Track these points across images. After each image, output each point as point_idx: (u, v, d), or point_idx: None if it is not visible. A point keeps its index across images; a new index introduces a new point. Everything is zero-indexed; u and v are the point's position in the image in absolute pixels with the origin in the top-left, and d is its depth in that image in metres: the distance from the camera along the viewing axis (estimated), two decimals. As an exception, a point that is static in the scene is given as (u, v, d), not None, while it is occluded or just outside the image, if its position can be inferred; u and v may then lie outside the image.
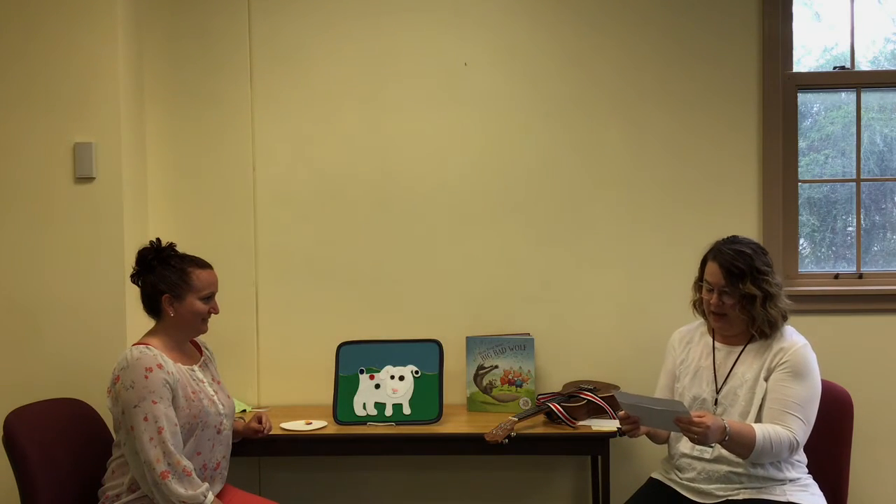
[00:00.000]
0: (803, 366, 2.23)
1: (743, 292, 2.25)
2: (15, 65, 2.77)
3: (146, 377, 2.13)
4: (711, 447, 2.25)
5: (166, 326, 2.32)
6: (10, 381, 2.73)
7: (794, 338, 2.29)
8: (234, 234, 3.05)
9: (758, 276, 2.25)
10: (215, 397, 2.32)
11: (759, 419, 2.23)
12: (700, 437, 2.09)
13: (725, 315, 2.30)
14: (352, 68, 3.05)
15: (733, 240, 2.34)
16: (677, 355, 2.47)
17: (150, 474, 2.11)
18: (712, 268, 2.31)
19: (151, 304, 2.31)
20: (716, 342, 2.39)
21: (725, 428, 2.11)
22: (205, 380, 2.34)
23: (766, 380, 2.24)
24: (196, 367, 2.34)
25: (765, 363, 2.26)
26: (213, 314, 2.37)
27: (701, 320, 2.48)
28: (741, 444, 2.14)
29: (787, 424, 2.17)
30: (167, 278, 2.28)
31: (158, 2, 3.04)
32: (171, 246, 2.35)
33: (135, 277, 2.34)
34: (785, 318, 2.30)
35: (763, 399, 2.23)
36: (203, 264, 2.36)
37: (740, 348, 2.33)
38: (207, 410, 2.26)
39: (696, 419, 2.08)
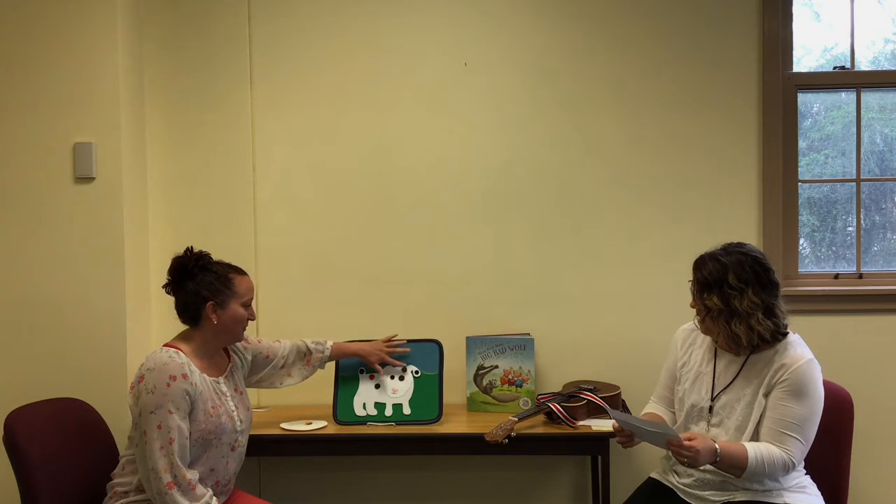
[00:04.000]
0: (804, 384, 2.16)
1: (705, 303, 2.23)
2: (15, 65, 2.77)
3: (168, 385, 2.13)
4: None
5: (204, 333, 2.29)
6: (10, 381, 2.73)
7: (798, 352, 2.20)
8: (234, 235, 3.05)
9: (726, 291, 2.19)
10: (235, 413, 2.31)
11: (755, 436, 2.21)
12: (690, 460, 2.09)
13: (702, 320, 2.30)
14: (351, 69, 3.05)
15: (727, 248, 2.28)
16: (679, 356, 2.45)
17: (155, 482, 2.11)
18: (692, 271, 2.31)
19: (191, 312, 2.28)
20: (718, 348, 2.35)
21: (716, 450, 2.10)
22: (228, 392, 2.32)
23: (766, 396, 2.20)
24: (221, 379, 2.32)
25: (765, 378, 2.21)
26: (250, 321, 2.36)
27: None
28: (733, 466, 2.13)
29: (784, 445, 2.14)
30: (210, 285, 2.26)
31: (159, 2, 3.04)
32: (207, 254, 2.33)
33: (170, 286, 2.30)
34: (765, 340, 2.21)
35: (761, 416, 2.20)
36: (241, 271, 2.35)
37: (742, 359, 2.28)
38: (224, 427, 2.25)
39: (686, 443, 2.08)
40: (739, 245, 2.29)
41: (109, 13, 2.77)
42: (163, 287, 2.33)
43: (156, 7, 3.04)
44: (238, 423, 2.32)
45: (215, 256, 2.37)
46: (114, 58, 2.77)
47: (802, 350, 2.23)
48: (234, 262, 2.38)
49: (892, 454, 2.99)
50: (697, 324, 2.34)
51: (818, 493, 2.29)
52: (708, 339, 2.39)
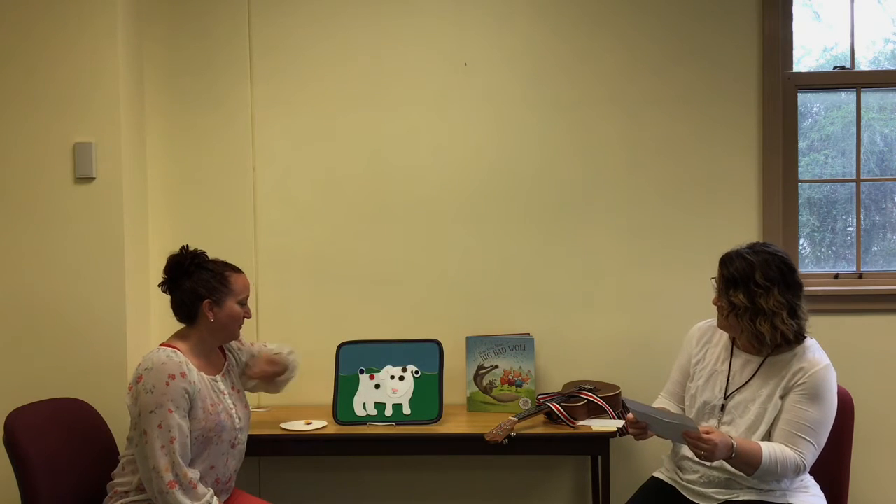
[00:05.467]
0: (821, 388, 2.18)
1: (731, 299, 2.23)
2: (15, 65, 2.77)
3: (167, 384, 2.13)
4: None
5: (201, 332, 2.29)
6: (10, 381, 2.73)
7: (815, 357, 2.22)
8: (234, 235, 3.05)
9: (752, 289, 2.20)
10: (233, 410, 2.31)
11: (768, 436, 2.21)
12: (707, 453, 2.08)
13: (723, 317, 2.29)
14: (351, 69, 3.05)
15: (754, 247, 2.28)
16: (693, 353, 2.43)
17: (156, 481, 2.10)
18: (718, 269, 2.30)
19: (187, 311, 2.28)
20: (735, 347, 2.34)
21: (733, 445, 2.10)
22: (225, 391, 2.32)
23: (782, 398, 2.21)
24: (219, 377, 2.32)
25: (782, 381, 2.21)
26: (246, 319, 2.36)
27: None
28: (747, 463, 2.13)
29: (798, 447, 2.15)
30: (207, 283, 2.26)
31: (159, 2, 3.04)
32: (203, 252, 2.33)
33: (167, 284, 2.30)
34: (788, 341, 2.22)
35: (776, 417, 2.20)
36: (237, 269, 2.36)
37: (760, 360, 2.28)
38: (224, 425, 2.25)
39: (704, 436, 2.07)
40: (765, 245, 2.30)
41: (109, 13, 2.76)
42: (159, 286, 2.33)
43: (156, 7, 3.04)
44: (237, 420, 2.32)
45: (215, 256, 2.37)
46: (114, 58, 2.77)
47: (820, 355, 2.24)
48: (234, 262, 2.38)
49: (892, 454, 2.99)
50: (719, 320, 2.32)
51: (821, 493, 2.30)
52: (724, 337, 2.38)
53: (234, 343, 2.46)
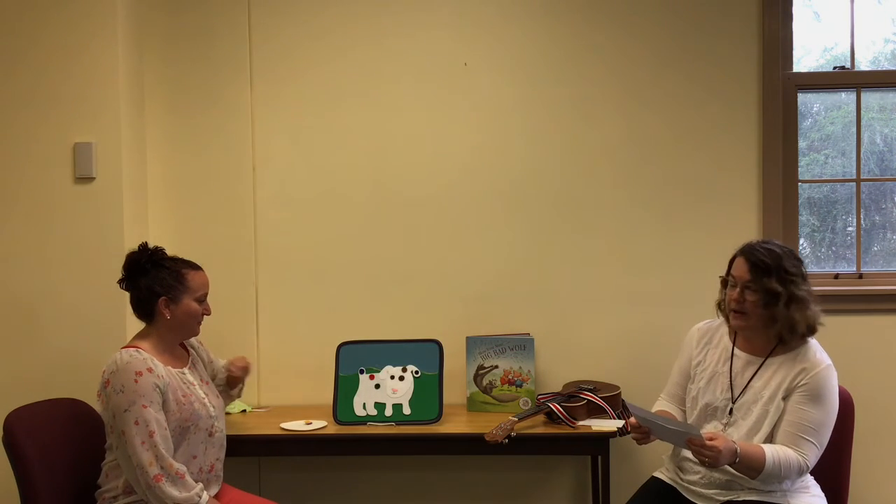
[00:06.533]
0: (824, 389, 2.17)
1: (766, 287, 2.18)
2: (15, 65, 2.77)
3: (136, 381, 2.13)
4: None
5: (160, 329, 2.30)
6: (10, 381, 2.73)
7: (817, 357, 2.22)
8: (234, 235, 3.05)
9: (784, 276, 2.18)
10: (206, 399, 2.32)
11: (770, 437, 2.20)
12: (711, 460, 2.08)
13: (745, 313, 2.24)
14: (352, 69, 3.05)
15: (766, 240, 2.30)
16: (694, 355, 2.42)
17: (142, 478, 2.11)
18: (739, 262, 2.26)
19: (144, 308, 2.30)
20: (735, 348, 2.34)
21: (736, 451, 2.10)
22: (195, 382, 2.34)
23: (785, 399, 2.20)
24: (186, 370, 2.34)
25: (785, 381, 2.21)
26: (205, 316, 2.37)
27: (722, 320, 2.41)
28: (750, 467, 2.13)
29: (800, 449, 2.15)
30: (163, 280, 2.28)
31: (158, 2, 3.04)
32: (162, 249, 2.35)
33: (124, 282, 2.32)
34: (811, 331, 2.22)
35: (778, 419, 2.20)
36: (195, 266, 2.36)
37: (761, 360, 2.27)
38: (199, 413, 2.26)
39: (707, 443, 2.07)
40: (771, 240, 2.32)
41: (109, 13, 2.77)
42: (118, 282, 2.34)
43: (155, 7, 3.03)
44: (211, 408, 2.33)
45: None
46: (114, 58, 2.77)
47: (822, 355, 2.23)
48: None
49: (893, 454, 2.99)
50: (739, 317, 2.25)
51: (821, 493, 2.30)
52: (724, 338, 2.37)
53: (193, 341, 2.47)
